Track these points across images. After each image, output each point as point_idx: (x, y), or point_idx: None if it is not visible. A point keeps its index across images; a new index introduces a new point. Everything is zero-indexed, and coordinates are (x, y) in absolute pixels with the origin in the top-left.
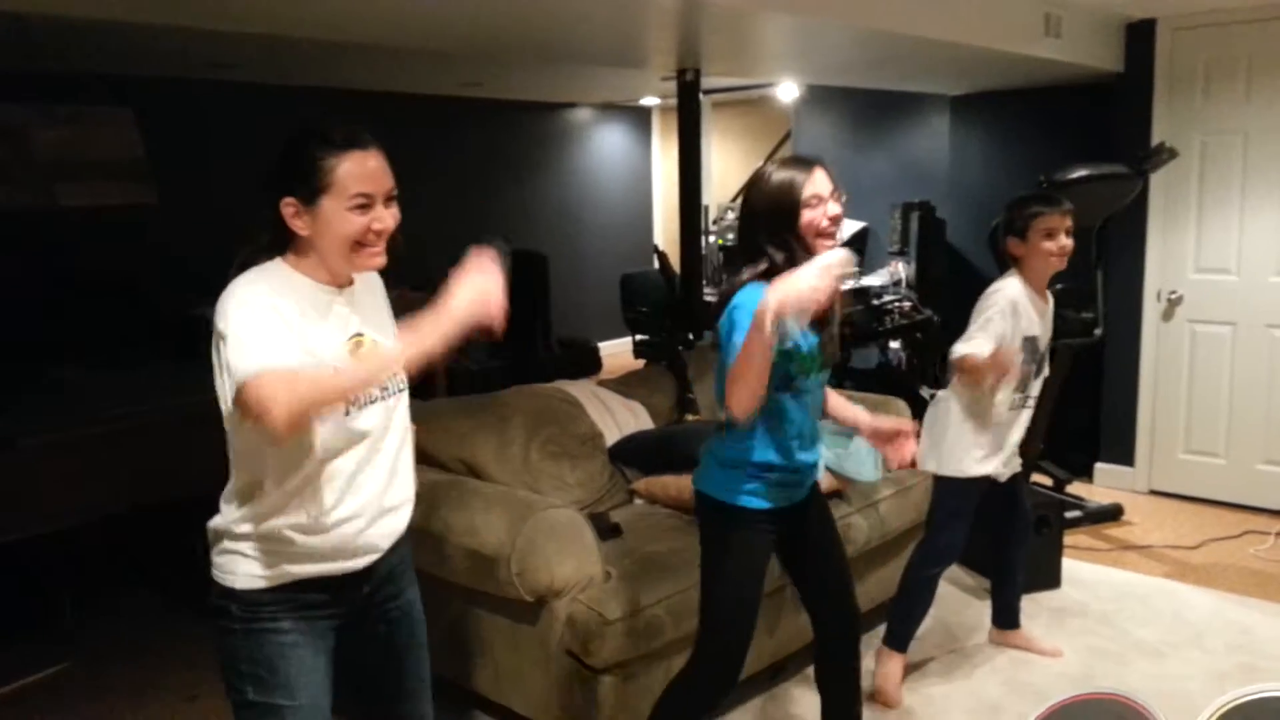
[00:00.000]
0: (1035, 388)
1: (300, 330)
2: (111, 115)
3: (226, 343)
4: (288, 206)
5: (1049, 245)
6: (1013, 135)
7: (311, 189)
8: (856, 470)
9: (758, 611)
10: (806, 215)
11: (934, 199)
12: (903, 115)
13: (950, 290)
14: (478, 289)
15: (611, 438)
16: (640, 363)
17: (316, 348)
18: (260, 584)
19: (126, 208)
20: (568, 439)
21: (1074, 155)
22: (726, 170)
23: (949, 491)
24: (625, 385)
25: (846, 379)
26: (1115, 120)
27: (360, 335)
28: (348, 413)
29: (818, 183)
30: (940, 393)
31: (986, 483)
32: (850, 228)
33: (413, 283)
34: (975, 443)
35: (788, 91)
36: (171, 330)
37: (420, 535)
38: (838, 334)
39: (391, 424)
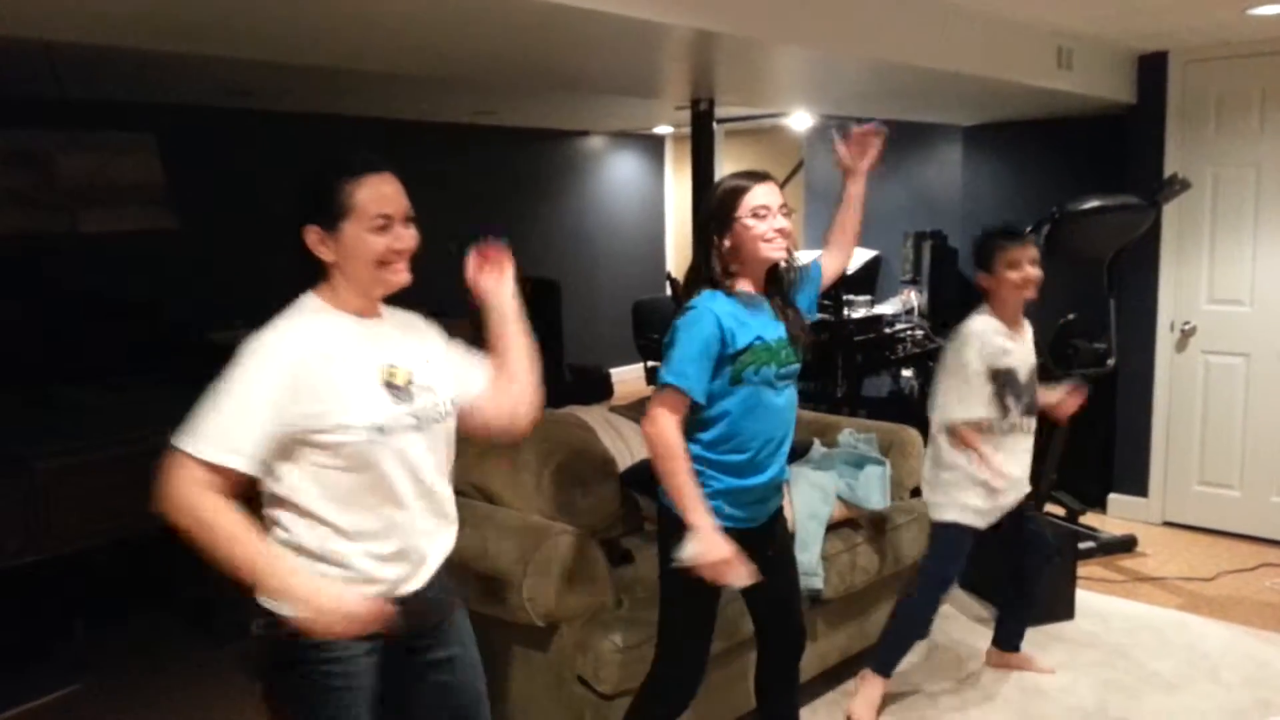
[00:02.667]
0: (1017, 415)
1: (322, 375)
2: (133, 142)
3: (214, 392)
4: (311, 234)
5: (1013, 276)
6: (1025, 166)
7: (333, 215)
8: (865, 498)
9: (714, 623)
10: (753, 224)
11: (946, 228)
12: (915, 145)
13: (962, 318)
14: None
15: (623, 464)
16: (652, 389)
17: (342, 383)
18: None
19: (147, 233)
20: (580, 465)
21: (1087, 186)
22: None
23: (943, 530)
24: (637, 411)
25: (860, 407)
26: (1128, 152)
27: (394, 366)
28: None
29: (765, 195)
30: (932, 430)
31: (970, 533)
32: (862, 256)
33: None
34: (970, 482)
35: (800, 121)
36: (189, 354)
37: None
38: (800, 335)
39: (428, 452)
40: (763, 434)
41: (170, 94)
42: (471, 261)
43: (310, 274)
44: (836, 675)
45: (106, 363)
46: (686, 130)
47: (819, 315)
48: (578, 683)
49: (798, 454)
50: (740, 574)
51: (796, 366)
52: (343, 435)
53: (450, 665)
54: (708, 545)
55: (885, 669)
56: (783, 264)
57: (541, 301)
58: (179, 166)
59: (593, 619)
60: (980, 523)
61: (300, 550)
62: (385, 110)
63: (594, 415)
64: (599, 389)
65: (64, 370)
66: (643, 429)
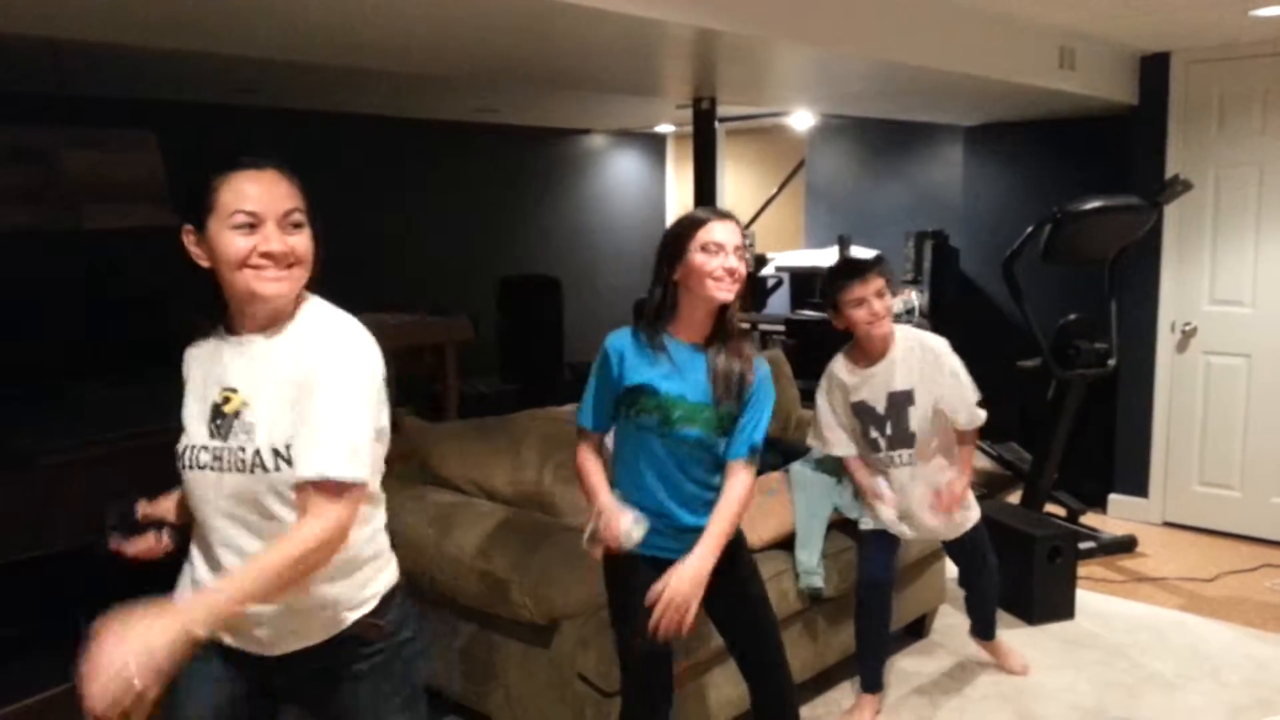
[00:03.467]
0: (882, 445)
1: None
2: (136, 139)
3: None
4: (187, 235)
5: (859, 314)
6: (1027, 166)
7: (200, 211)
8: (850, 510)
9: (639, 627)
10: (703, 260)
11: (948, 228)
12: (917, 145)
13: (963, 318)
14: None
15: None
16: None
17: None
18: None
19: (149, 229)
20: None
21: (1088, 187)
22: (740, 198)
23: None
24: None
25: None
26: (1130, 152)
27: (231, 391)
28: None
29: (721, 232)
30: None
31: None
32: (863, 256)
33: (427, 308)
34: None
35: (802, 120)
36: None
37: (434, 557)
38: (732, 393)
39: (225, 502)
40: (668, 478)
41: (174, 91)
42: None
43: (203, 300)
44: (836, 674)
45: (109, 359)
46: (688, 129)
47: (821, 315)
48: (579, 680)
49: (796, 454)
50: (623, 524)
51: (714, 437)
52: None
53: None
54: (605, 513)
55: (866, 684)
56: (728, 311)
57: (542, 299)
58: (182, 163)
59: (594, 616)
60: (892, 531)
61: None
62: (387, 108)
63: None
64: None
65: (67, 366)
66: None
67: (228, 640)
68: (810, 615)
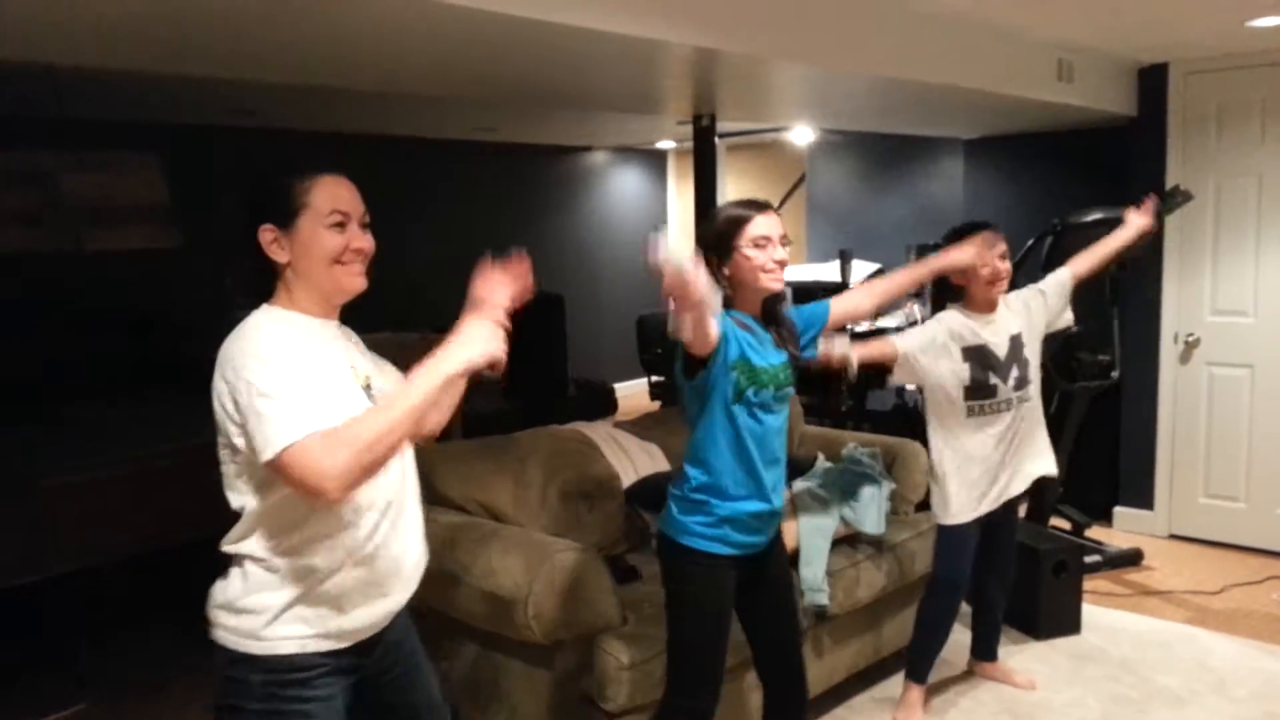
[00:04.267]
0: (1008, 391)
1: (315, 362)
2: (137, 161)
3: (250, 396)
4: (266, 233)
5: (985, 273)
6: (1027, 178)
7: (287, 212)
8: (861, 520)
9: (726, 651)
10: (753, 255)
11: (947, 242)
12: (917, 158)
13: None
14: (490, 306)
15: (628, 480)
16: (656, 404)
17: (335, 386)
18: (291, 648)
19: (151, 251)
20: (585, 481)
21: (1088, 198)
22: None
23: (942, 533)
24: (641, 427)
25: (864, 421)
26: (1129, 163)
27: (355, 367)
28: None
29: (766, 225)
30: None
31: (971, 524)
32: (865, 270)
33: (433, 325)
34: (959, 485)
35: (802, 135)
36: (193, 371)
37: (437, 577)
38: (797, 361)
39: (401, 470)
40: (763, 457)
41: (174, 113)
42: (489, 269)
43: (261, 288)
44: (844, 691)
45: (111, 380)
46: (689, 145)
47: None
48: (583, 701)
49: (802, 469)
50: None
51: (790, 390)
52: None
53: (409, 712)
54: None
55: (916, 674)
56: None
57: (545, 316)
58: (183, 185)
59: (597, 637)
60: (976, 513)
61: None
62: (387, 127)
63: (598, 431)
64: (603, 404)
65: (68, 388)
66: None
67: (342, 641)
68: (816, 633)
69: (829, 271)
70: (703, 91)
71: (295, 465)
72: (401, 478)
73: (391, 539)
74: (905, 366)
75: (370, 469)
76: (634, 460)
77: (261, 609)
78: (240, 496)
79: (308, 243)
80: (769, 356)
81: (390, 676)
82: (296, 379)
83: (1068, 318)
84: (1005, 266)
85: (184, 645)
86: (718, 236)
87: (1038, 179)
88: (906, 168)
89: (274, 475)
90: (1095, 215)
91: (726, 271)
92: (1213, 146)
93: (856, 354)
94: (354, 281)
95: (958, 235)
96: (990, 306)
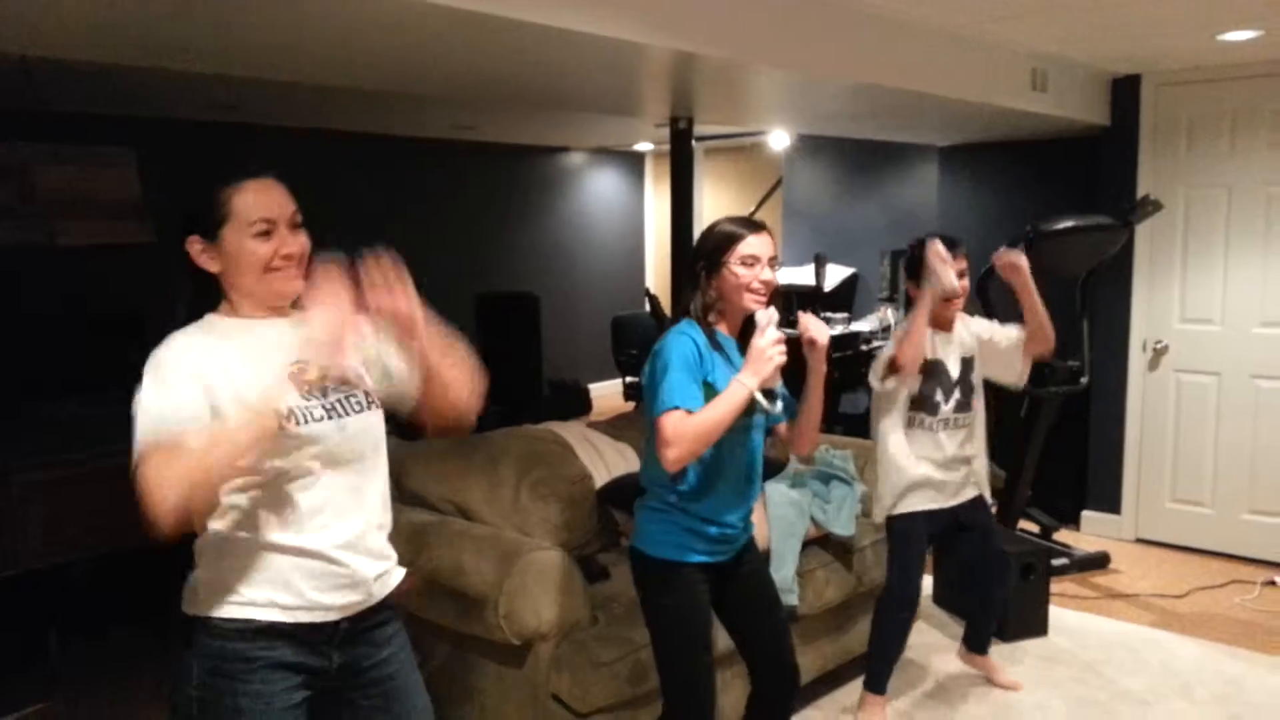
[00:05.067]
0: (948, 410)
1: (230, 377)
2: (112, 156)
3: (138, 407)
4: (193, 244)
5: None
6: (1000, 186)
7: (212, 222)
8: (832, 522)
9: (712, 659)
10: (741, 272)
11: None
12: (892, 165)
13: None
14: (325, 311)
15: (601, 480)
16: (630, 405)
17: (249, 385)
18: (234, 613)
19: (124, 246)
20: (557, 481)
21: (1060, 206)
22: (718, 216)
23: (891, 531)
24: (615, 427)
25: (837, 424)
26: (1101, 173)
27: (302, 362)
28: (281, 427)
29: (757, 245)
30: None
31: (926, 518)
32: (839, 274)
33: None
34: (901, 470)
35: (779, 140)
36: None
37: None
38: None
39: (352, 448)
40: (732, 476)
41: (151, 108)
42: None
43: (208, 300)
44: (812, 692)
45: (83, 377)
46: (667, 147)
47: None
48: (553, 700)
49: (774, 470)
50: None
51: (761, 417)
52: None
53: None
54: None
55: (877, 685)
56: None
57: (520, 316)
58: (158, 180)
59: (569, 636)
60: (929, 506)
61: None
62: (366, 125)
63: (572, 431)
64: (577, 404)
65: (40, 384)
66: (664, 458)
67: (303, 618)
68: None
69: (804, 275)
70: (681, 95)
71: (142, 474)
72: (358, 456)
73: (333, 517)
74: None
75: (193, 496)
76: (607, 460)
77: (206, 579)
78: None
79: (235, 253)
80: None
81: (368, 703)
82: (172, 391)
83: (1015, 371)
84: (963, 284)
85: (153, 642)
86: (711, 250)
87: (1011, 187)
88: (882, 174)
89: None
90: (1067, 223)
91: (713, 285)
92: (1183, 157)
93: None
94: (288, 285)
95: (921, 247)
96: (947, 324)
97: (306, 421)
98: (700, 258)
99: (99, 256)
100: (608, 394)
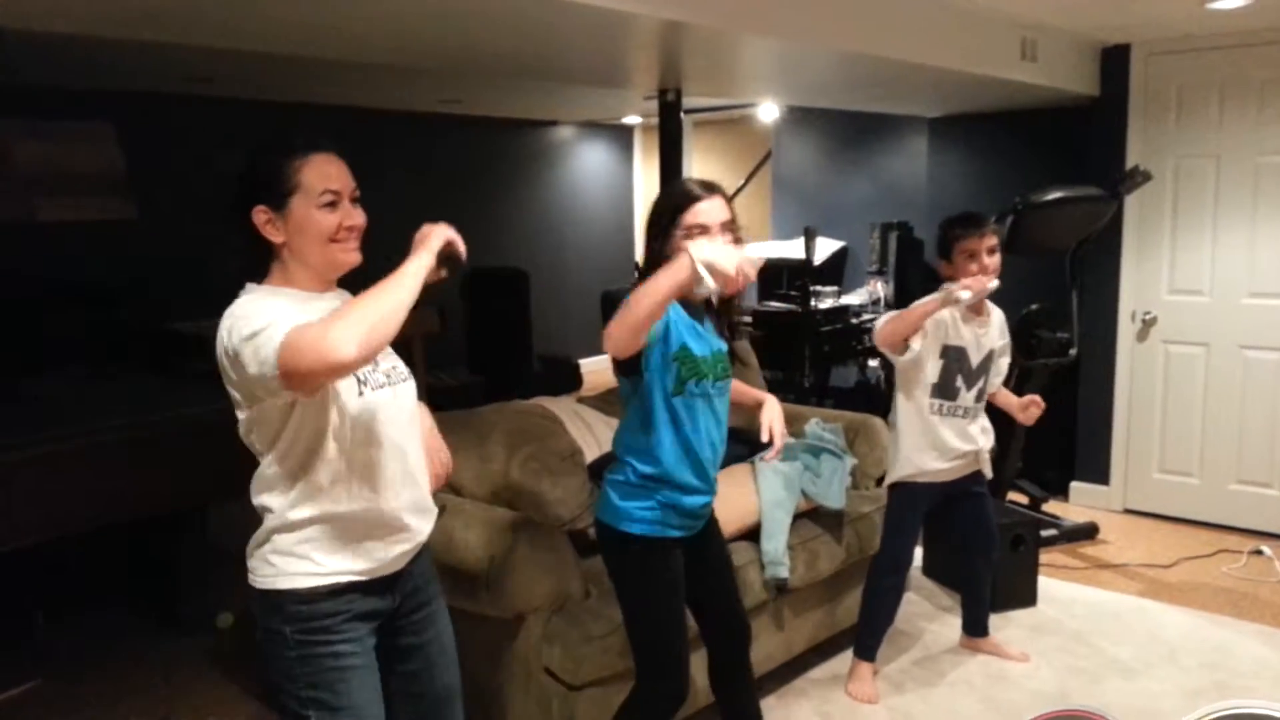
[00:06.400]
0: (968, 398)
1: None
2: (92, 130)
3: (247, 344)
4: (260, 214)
5: (970, 267)
6: (990, 157)
7: (280, 193)
8: (824, 494)
9: (685, 625)
10: (686, 244)
11: (912, 219)
12: (882, 136)
13: None
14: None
15: (591, 454)
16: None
17: None
18: (318, 582)
19: (105, 222)
20: (548, 456)
21: (1050, 177)
22: None
23: (892, 498)
24: (605, 402)
25: (826, 398)
26: (1091, 143)
27: None
28: (360, 393)
29: (706, 212)
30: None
31: (926, 490)
32: (829, 247)
33: None
34: (913, 448)
35: (768, 112)
36: (149, 344)
37: None
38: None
39: (399, 413)
40: (706, 447)
41: (130, 81)
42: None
43: (254, 265)
44: (803, 663)
45: (65, 353)
46: (655, 120)
47: (788, 306)
48: (545, 674)
49: (764, 444)
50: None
51: (729, 379)
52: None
53: (422, 653)
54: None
55: (867, 652)
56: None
57: (510, 291)
58: (139, 154)
59: (560, 610)
60: (915, 470)
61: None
62: (350, 98)
63: (562, 406)
64: (567, 379)
65: (22, 361)
66: (607, 335)
67: (358, 577)
68: (776, 605)
69: (794, 249)
70: (669, 66)
71: (297, 349)
72: (409, 421)
73: (399, 482)
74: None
75: (371, 338)
76: (597, 435)
77: (285, 550)
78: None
79: (302, 223)
80: (711, 343)
81: (410, 620)
82: (279, 315)
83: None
84: (993, 261)
85: (142, 620)
86: (657, 217)
87: (1000, 158)
88: (871, 145)
89: (286, 398)
90: (1056, 194)
91: (667, 251)
92: (1172, 127)
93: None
94: (350, 257)
95: (954, 224)
96: (979, 306)
97: (372, 388)
98: (651, 225)
99: (82, 233)
100: (598, 369)
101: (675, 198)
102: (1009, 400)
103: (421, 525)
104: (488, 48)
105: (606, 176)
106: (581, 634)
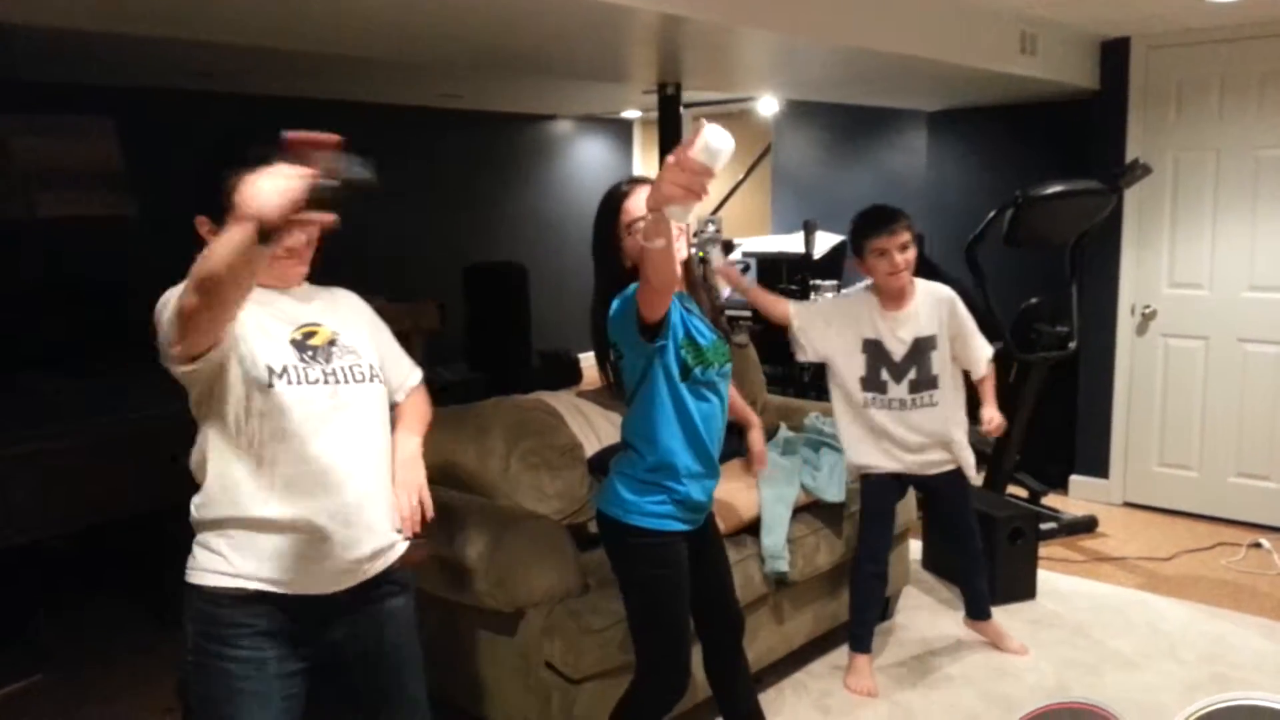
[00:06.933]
0: (900, 390)
1: (244, 324)
2: (92, 125)
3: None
4: (202, 225)
5: (880, 265)
6: (989, 151)
7: (221, 208)
8: (823, 489)
9: (688, 619)
10: (630, 243)
11: (911, 213)
12: (881, 130)
13: None
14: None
15: (591, 449)
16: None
17: (260, 346)
18: (224, 582)
19: (104, 218)
20: (547, 450)
21: (1050, 171)
22: None
23: (861, 488)
24: (605, 396)
25: (826, 392)
26: (1091, 137)
27: (314, 325)
28: (271, 384)
29: (639, 205)
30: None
31: (893, 480)
32: (829, 241)
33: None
34: (858, 438)
35: (768, 106)
36: (149, 340)
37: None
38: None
39: (336, 414)
40: (711, 436)
41: (130, 76)
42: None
43: None
44: (803, 656)
45: (64, 349)
46: (655, 114)
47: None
48: (545, 668)
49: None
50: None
51: (730, 367)
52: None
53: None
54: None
55: (860, 644)
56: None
57: (509, 286)
58: (138, 150)
59: (560, 604)
60: (869, 463)
61: None
62: (349, 92)
63: (561, 400)
64: (567, 374)
65: (21, 357)
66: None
67: (296, 589)
68: (776, 600)
69: (794, 243)
70: (668, 59)
71: (165, 319)
72: (353, 426)
73: (324, 492)
74: (796, 339)
75: (188, 315)
76: (597, 429)
77: (203, 543)
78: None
79: None
80: (711, 333)
81: (356, 654)
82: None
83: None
84: (904, 258)
85: (141, 616)
86: (600, 221)
87: (1000, 151)
88: (871, 139)
89: (177, 371)
90: (1056, 188)
91: (622, 256)
92: (1172, 121)
93: (753, 298)
94: (292, 272)
95: (863, 222)
96: (896, 299)
97: (300, 383)
98: (596, 230)
99: (81, 228)
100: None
101: (611, 200)
102: (986, 400)
103: (356, 541)
104: (488, 41)
105: (606, 171)
106: (581, 627)
